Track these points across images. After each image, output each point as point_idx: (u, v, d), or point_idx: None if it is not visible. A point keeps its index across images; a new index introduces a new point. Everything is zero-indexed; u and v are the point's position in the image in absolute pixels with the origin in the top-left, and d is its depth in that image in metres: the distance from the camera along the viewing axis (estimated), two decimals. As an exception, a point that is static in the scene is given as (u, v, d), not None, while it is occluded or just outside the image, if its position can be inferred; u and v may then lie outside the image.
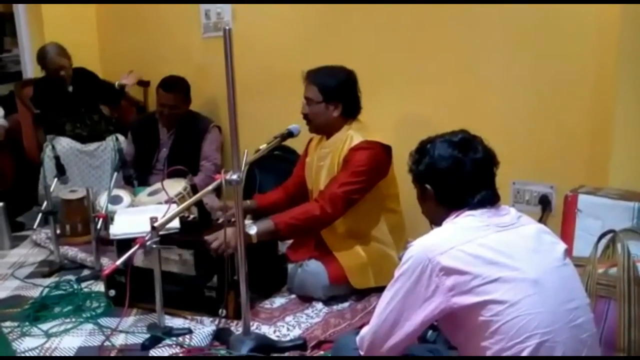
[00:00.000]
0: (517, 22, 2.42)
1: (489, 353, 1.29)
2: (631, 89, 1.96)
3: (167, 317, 2.14)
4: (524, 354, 1.25)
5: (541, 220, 2.37)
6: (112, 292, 2.30)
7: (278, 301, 2.37)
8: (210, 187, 1.92)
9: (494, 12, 2.46)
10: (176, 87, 3.24)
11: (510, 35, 2.45)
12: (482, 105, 2.55)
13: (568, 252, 1.45)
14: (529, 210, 2.33)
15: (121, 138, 3.45)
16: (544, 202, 2.46)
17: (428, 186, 1.50)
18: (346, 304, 2.34)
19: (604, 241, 1.78)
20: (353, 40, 2.89)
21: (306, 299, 2.36)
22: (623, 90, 1.98)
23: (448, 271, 1.32)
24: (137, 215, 2.35)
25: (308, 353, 1.99)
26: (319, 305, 2.32)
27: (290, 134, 2.27)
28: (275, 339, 2.07)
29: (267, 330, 2.13)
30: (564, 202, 1.99)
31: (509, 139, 2.34)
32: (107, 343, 2.06)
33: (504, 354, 1.27)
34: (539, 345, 1.26)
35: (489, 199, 1.46)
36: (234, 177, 1.73)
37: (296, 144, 2.90)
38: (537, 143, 2.46)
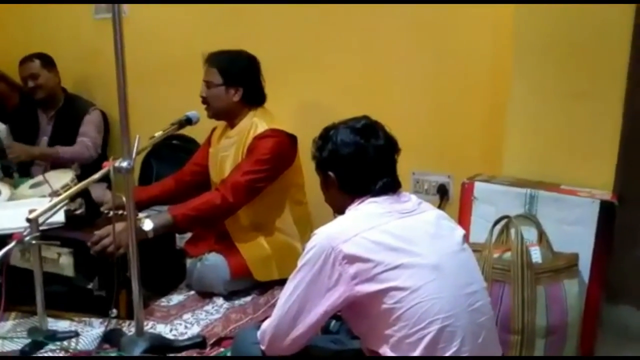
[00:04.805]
0: (419, 16, 2.45)
1: (391, 341, 1.28)
2: (523, 81, 2.03)
3: (51, 320, 1.96)
4: (427, 339, 1.25)
5: (439, 208, 2.42)
6: (-14, 295, 2.07)
7: (175, 298, 2.25)
8: (96, 176, 1.76)
9: (397, 7, 2.47)
10: (31, 57, 3.06)
11: (413, 28, 2.48)
12: (383, 97, 2.57)
13: (466, 238, 1.48)
14: (428, 199, 2.33)
15: (1, 127, 3.15)
16: (442, 192, 2.52)
17: (331, 173, 1.48)
18: (248, 298, 2.27)
19: (498, 227, 1.84)
20: (256, 28, 2.81)
21: (206, 295, 2.26)
22: (516, 84, 2.05)
23: (351, 259, 1.29)
24: (16, 209, 2.13)
25: (207, 351, 1.90)
26: (220, 301, 2.23)
27: (188, 121, 2.16)
28: (172, 338, 1.96)
29: (163, 330, 2.01)
30: (461, 189, 2.03)
31: (410, 131, 2.35)
32: (-21, 351, 1.85)
33: (407, 341, 1.26)
34: (441, 330, 1.26)
35: (391, 186, 1.46)
36: (124, 164, 1.60)
37: (197, 133, 2.78)
38: (436, 135, 2.52)
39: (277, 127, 2.27)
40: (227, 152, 2.34)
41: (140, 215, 2.13)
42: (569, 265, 1.75)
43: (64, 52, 3.19)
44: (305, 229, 2.39)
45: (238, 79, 2.28)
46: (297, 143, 2.33)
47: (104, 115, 3.17)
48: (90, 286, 2.02)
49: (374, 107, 2.22)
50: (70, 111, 3.11)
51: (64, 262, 2.02)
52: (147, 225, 2.02)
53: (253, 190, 2.21)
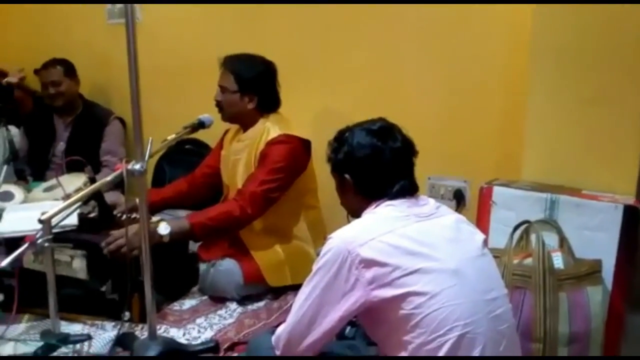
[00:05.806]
0: (431, 20, 2.43)
1: (410, 347, 1.24)
2: (541, 85, 1.99)
3: (64, 322, 1.94)
4: (446, 346, 1.21)
5: (456, 214, 2.39)
6: (-1, 297, 2.07)
7: (188, 302, 2.23)
8: (109, 178, 1.73)
9: (410, 10, 2.46)
10: (54, 62, 3.05)
11: (425, 32, 2.46)
12: (397, 101, 2.54)
13: (486, 242, 1.44)
14: (444, 204, 2.33)
15: (14, 130, 3.16)
16: (458, 197, 2.48)
17: (347, 176, 1.45)
18: (261, 303, 2.24)
19: (518, 232, 1.80)
20: (269, 34, 2.79)
21: (219, 300, 2.23)
22: (534, 86, 2.01)
23: (368, 263, 1.26)
24: (29, 212, 2.12)
25: (221, 355, 1.87)
26: (233, 305, 2.20)
27: (201, 125, 2.14)
28: (185, 342, 1.93)
29: (176, 334, 1.99)
30: (479, 194, 1.99)
31: (424, 135, 2.28)
32: (-9, 354, 1.84)
33: (425, 348, 1.23)
34: (461, 337, 1.22)
35: (408, 189, 1.43)
36: (137, 166, 1.57)
37: (209, 138, 2.77)
38: (451, 139, 2.48)
39: (290, 132, 2.24)
40: (239, 156, 2.32)
41: (154, 218, 2.11)
42: (592, 271, 1.70)
43: (78, 57, 3.17)
44: (318, 234, 2.36)
45: (254, 86, 2.25)
46: (310, 148, 2.30)
47: (123, 123, 3.14)
48: (103, 289, 2.00)
49: (388, 111, 2.20)
50: (89, 119, 3.09)
51: (77, 265, 2.00)
52: (164, 229, 2.00)
53: (270, 200, 2.18)
